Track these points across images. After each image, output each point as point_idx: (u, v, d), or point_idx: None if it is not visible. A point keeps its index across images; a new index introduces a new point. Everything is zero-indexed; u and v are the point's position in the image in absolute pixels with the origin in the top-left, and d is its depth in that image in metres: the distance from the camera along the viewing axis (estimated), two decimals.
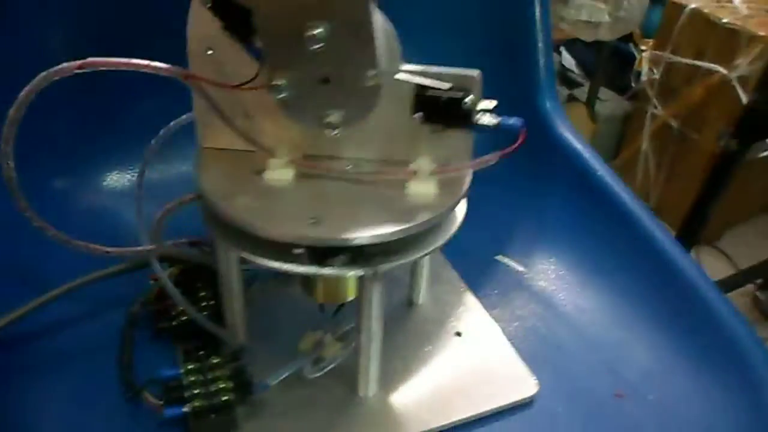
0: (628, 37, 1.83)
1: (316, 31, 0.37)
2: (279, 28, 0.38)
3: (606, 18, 1.66)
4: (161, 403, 0.46)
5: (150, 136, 0.65)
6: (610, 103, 1.93)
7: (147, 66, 0.41)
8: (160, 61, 0.42)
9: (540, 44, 0.75)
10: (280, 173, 0.45)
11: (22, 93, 0.41)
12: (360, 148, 0.46)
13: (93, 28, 0.64)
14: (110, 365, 0.51)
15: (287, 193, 0.44)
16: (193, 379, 0.47)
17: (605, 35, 1.69)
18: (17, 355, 0.51)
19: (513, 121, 0.42)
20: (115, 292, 0.55)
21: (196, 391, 0.46)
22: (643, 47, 1.85)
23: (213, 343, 0.51)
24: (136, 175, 0.68)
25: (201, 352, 0.50)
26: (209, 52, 0.43)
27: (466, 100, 0.42)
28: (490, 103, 0.43)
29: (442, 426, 0.48)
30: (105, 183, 0.68)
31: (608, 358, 0.56)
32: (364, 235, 0.40)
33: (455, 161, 0.45)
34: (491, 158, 0.44)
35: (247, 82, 0.42)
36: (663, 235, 0.64)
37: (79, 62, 0.39)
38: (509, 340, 0.55)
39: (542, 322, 0.59)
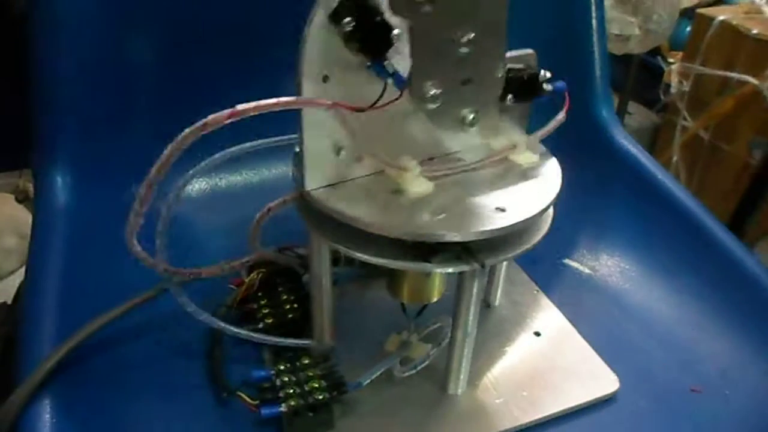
0: (656, 50, 1.84)
1: (467, 38, 0.41)
2: (431, 39, 0.41)
3: (636, 31, 1.66)
4: (257, 402, 0.47)
5: (216, 145, 0.68)
6: (638, 116, 1.94)
7: (294, 102, 0.40)
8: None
9: (596, 54, 0.76)
10: (419, 185, 0.44)
11: (165, 152, 0.39)
12: (457, 140, 0.48)
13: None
14: (196, 366, 0.52)
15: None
16: (285, 379, 0.48)
17: (635, 48, 1.70)
18: (113, 356, 0.52)
19: (559, 84, 0.49)
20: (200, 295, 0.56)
21: (290, 391, 0.47)
22: (671, 60, 1.86)
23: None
24: (204, 182, 0.70)
25: (290, 354, 0.51)
26: (325, 78, 0.41)
27: (541, 73, 0.47)
28: (548, 74, 0.48)
29: (532, 422, 0.49)
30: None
31: (681, 355, 0.57)
32: (479, 229, 0.41)
33: (519, 132, 0.51)
34: (560, 118, 0.51)
35: (395, 99, 0.41)
36: (726, 235, 0.65)
37: (228, 111, 0.38)
38: (584, 338, 0.56)
39: (614, 321, 0.60)
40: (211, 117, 0.37)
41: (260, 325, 0.53)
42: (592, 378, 0.52)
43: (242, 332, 0.50)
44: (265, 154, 0.70)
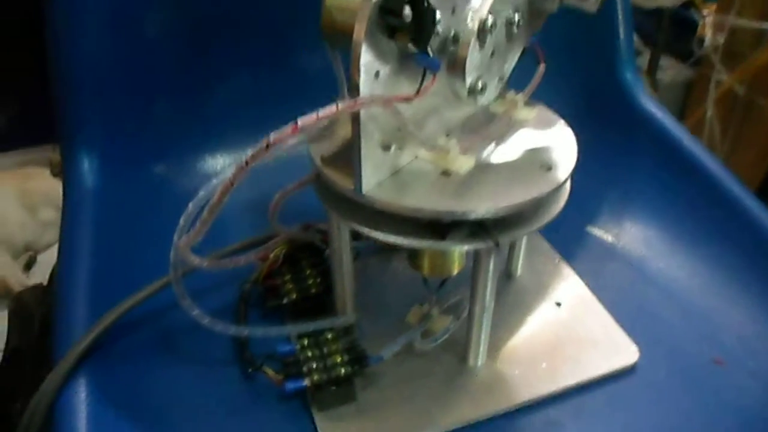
0: (689, 2, 1.79)
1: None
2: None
3: None
4: (282, 377, 0.49)
5: (242, 122, 0.68)
6: (671, 71, 1.89)
7: (356, 104, 0.37)
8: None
9: (619, 14, 0.75)
10: (465, 162, 0.44)
11: (223, 184, 0.38)
12: (464, 110, 0.48)
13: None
14: (224, 340, 0.54)
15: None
16: (309, 354, 0.49)
17: (666, 2, 1.66)
18: (142, 335, 0.54)
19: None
20: (225, 272, 0.58)
21: (313, 366, 0.48)
22: (704, 12, 1.81)
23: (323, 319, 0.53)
24: (228, 158, 0.71)
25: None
26: (377, 74, 0.39)
27: None
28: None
29: (551, 393, 0.49)
30: (199, 167, 0.70)
31: (704, 325, 0.57)
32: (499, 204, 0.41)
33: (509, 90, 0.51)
34: (541, 70, 0.51)
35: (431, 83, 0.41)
36: (752, 202, 0.64)
37: (291, 127, 0.36)
38: (606, 308, 0.56)
39: (636, 290, 0.60)
40: (273, 135, 0.36)
41: (284, 301, 0.55)
42: (612, 348, 0.53)
43: (258, 331, 0.51)
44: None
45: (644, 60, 1.90)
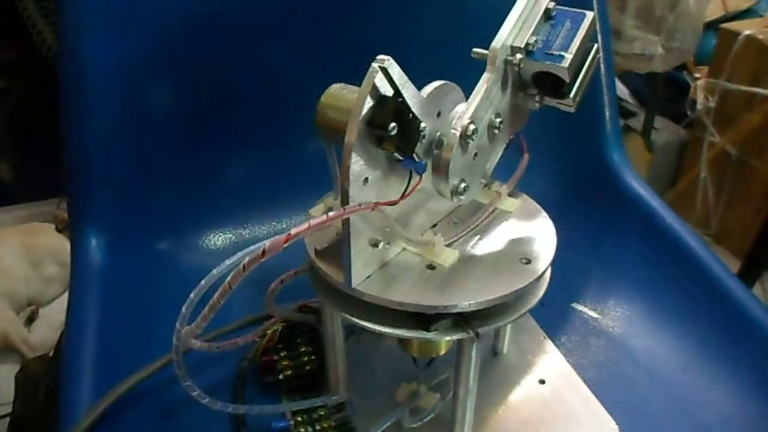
0: (682, 65, 1.84)
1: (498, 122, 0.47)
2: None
3: (659, 50, 1.67)
4: None
5: (243, 200, 0.72)
6: (665, 131, 1.94)
7: (345, 213, 0.40)
8: None
9: (606, 96, 0.79)
10: (449, 255, 0.47)
11: (216, 297, 0.41)
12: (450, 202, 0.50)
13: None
14: (220, 416, 0.56)
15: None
16: (302, 430, 0.52)
17: (659, 67, 1.70)
18: (144, 408, 0.56)
19: None
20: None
21: None
22: (697, 75, 1.86)
23: (316, 396, 0.55)
24: (230, 235, 0.74)
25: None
26: (365, 180, 0.42)
27: None
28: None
29: None
30: (203, 243, 0.74)
31: (684, 402, 0.59)
32: (475, 300, 0.44)
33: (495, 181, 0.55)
34: (525, 161, 0.55)
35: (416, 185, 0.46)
36: (734, 281, 0.67)
37: (284, 237, 0.38)
38: (589, 385, 0.59)
39: (618, 367, 0.62)
40: (268, 243, 0.38)
41: (280, 377, 0.57)
42: (594, 426, 0.55)
43: (254, 409, 0.53)
44: (289, 202, 0.75)
45: (639, 121, 1.94)
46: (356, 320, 0.46)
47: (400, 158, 0.43)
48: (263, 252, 0.38)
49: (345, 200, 0.41)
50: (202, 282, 0.42)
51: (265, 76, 0.74)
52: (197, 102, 0.71)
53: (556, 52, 0.46)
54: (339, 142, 0.43)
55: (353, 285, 0.44)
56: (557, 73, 0.46)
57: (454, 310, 0.44)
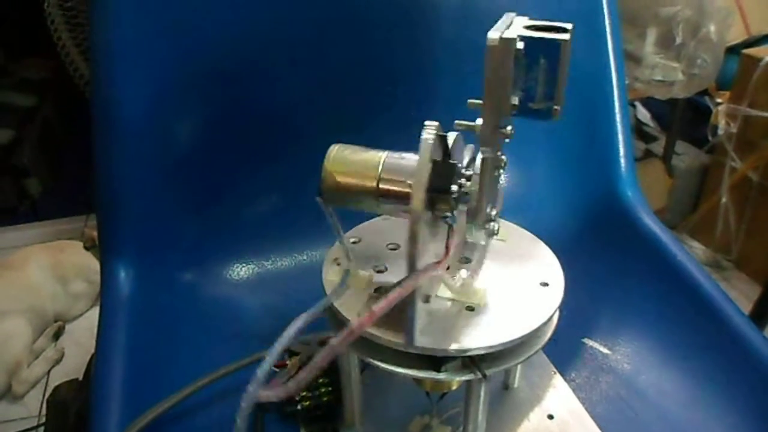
0: (704, 90, 1.84)
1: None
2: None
3: (680, 76, 1.67)
4: None
5: (266, 232, 0.75)
6: (686, 156, 1.94)
7: (417, 280, 0.42)
8: None
9: (620, 132, 0.81)
10: (481, 295, 0.50)
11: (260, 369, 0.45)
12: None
13: None
14: None
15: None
16: None
17: (680, 93, 1.70)
18: None
19: None
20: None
21: None
22: (718, 99, 1.85)
23: (334, 426, 0.58)
24: (254, 266, 0.77)
25: None
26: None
27: None
28: None
29: None
30: (228, 275, 0.76)
31: None
32: (481, 345, 0.46)
33: None
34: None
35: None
36: (742, 319, 0.68)
37: (367, 316, 0.41)
38: (597, 421, 0.60)
39: (627, 403, 0.64)
40: (356, 324, 0.42)
41: (299, 407, 0.60)
42: None
43: None
44: (311, 235, 0.77)
45: (660, 146, 1.94)
46: (371, 360, 0.48)
47: (448, 215, 0.45)
48: (351, 332, 0.42)
49: (412, 267, 0.42)
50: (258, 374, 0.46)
51: (292, 111, 0.77)
52: (223, 136, 0.75)
53: (543, 105, 0.44)
54: (343, 203, 0.46)
55: (417, 344, 0.46)
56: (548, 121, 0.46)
57: (464, 354, 0.46)
